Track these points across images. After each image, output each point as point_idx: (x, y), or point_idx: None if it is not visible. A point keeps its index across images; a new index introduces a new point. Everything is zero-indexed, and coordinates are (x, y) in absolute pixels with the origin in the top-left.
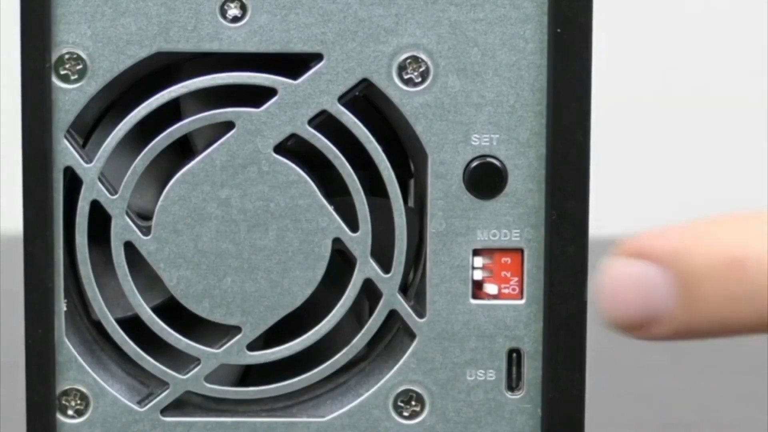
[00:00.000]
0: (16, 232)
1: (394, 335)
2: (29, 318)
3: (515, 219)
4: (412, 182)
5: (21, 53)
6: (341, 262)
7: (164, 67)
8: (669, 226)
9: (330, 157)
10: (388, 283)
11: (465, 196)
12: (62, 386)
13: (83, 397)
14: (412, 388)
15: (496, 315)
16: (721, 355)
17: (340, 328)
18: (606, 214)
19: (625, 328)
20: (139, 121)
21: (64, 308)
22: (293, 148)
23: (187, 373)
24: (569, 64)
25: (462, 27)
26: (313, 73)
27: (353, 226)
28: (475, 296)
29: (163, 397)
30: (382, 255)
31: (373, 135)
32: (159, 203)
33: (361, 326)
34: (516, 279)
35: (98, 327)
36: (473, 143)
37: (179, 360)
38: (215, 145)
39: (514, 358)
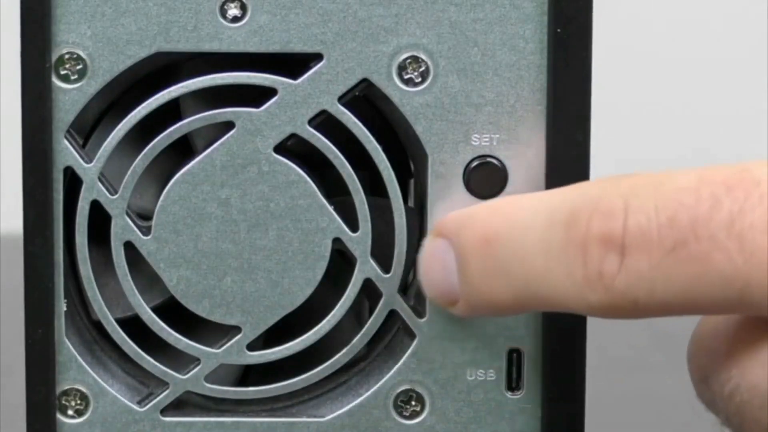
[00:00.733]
0: (16, 232)
1: (394, 335)
2: (29, 318)
3: None
4: (412, 182)
5: (21, 53)
6: (341, 262)
7: (164, 67)
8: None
9: (330, 157)
10: (388, 282)
11: (465, 195)
12: (62, 386)
13: (83, 397)
14: (412, 388)
15: None
16: None
17: (340, 328)
18: None
19: (441, 304)
20: (139, 121)
21: (64, 308)
22: (293, 148)
23: (187, 373)
24: (569, 64)
25: (462, 27)
26: (313, 73)
27: (353, 226)
28: None
29: (163, 397)
30: (382, 255)
31: (373, 135)
32: (159, 203)
33: (361, 326)
34: None
35: (98, 327)
36: (473, 143)
37: (179, 360)
38: (215, 145)
39: (515, 358)
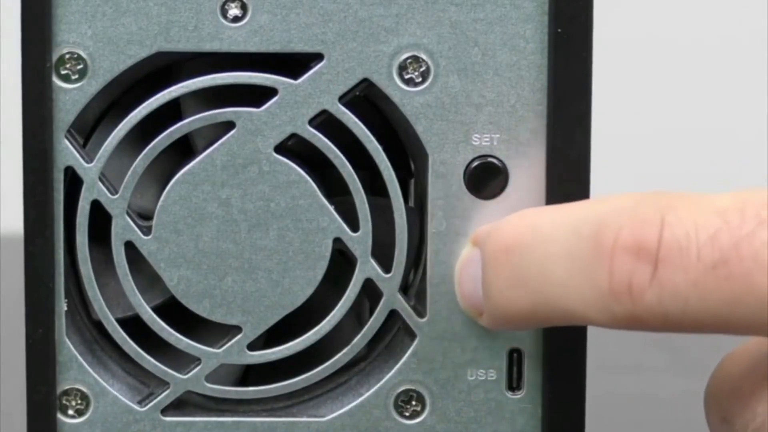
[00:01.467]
0: (16, 232)
1: (394, 335)
2: (30, 318)
3: None
4: (412, 182)
5: (21, 53)
6: (342, 261)
7: (165, 67)
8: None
9: (330, 156)
10: (389, 282)
11: (465, 196)
12: (63, 386)
13: (84, 397)
14: (412, 387)
15: None
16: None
17: (340, 328)
18: None
19: (471, 315)
20: (139, 121)
21: (65, 308)
22: (294, 148)
23: (188, 372)
24: (570, 63)
25: (462, 27)
26: (313, 72)
27: (354, 225)
28: None
29: (164, 396)
30: (383, 255)
31: (374, 135)
32: (159, 203)
33: (362, 326)
34: None
35: (99, 327)
36: (474, 143)
37: (180, 360)
38: (216, 145)
39: (515, 357)
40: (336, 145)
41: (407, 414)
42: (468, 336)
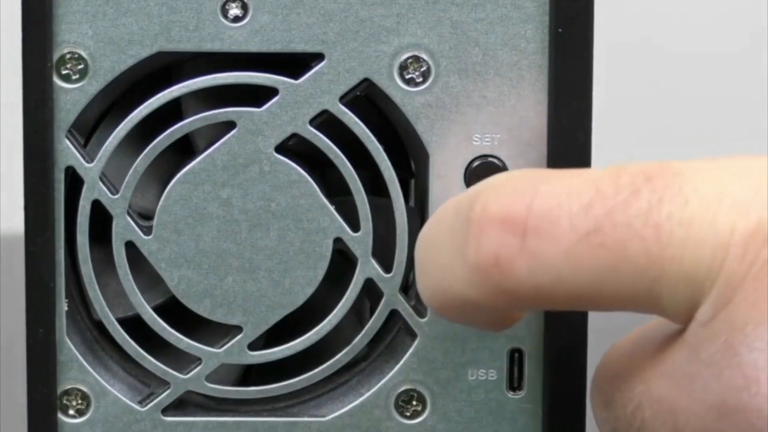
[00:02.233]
0: (16, 232)
1: (395, 335)
2: (30, 318)
3: None
4: (413, 182)
5: (22, 53)
6: (342, 261)
7: (165, 67)
8: None
9: (331, 156)
10: (389, 282)
11: None
12: (63, 386)
13: (84, 397)
14: (413, 387)
15: None
16: None
17: (341, 328)
18: None
19: None
20: (140, 121)
21: (65, 308)
22: (294, 148)
23: (189, 372)
24: (570, 63)
25: (463, 27)
26: (314, 72)
27: (354, 225)
28: None
29: (165, 396)
30: (384, 255)
31: (374, 135)
32: (160, 203)
33: (362, 326)
34: None
35: (99, 327)
36: (474, 143)
37: (180, 360)
38: (216, 145)
39: (516, 357)
40: (337, 145)
41: (408, 414)
42: (468, 336)
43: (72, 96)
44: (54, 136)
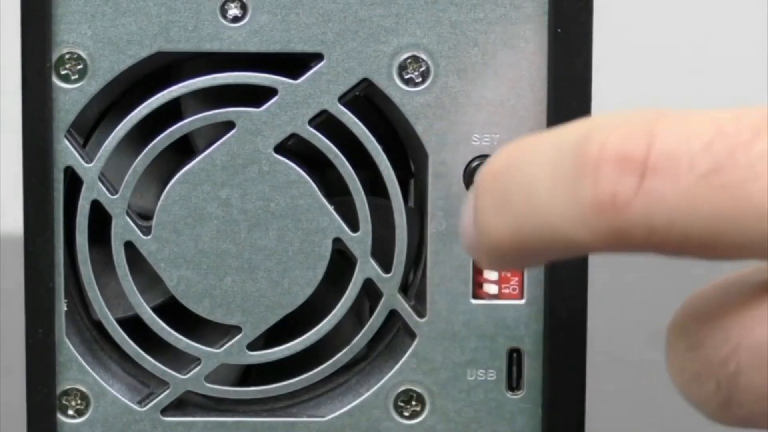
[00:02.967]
0: (16, 232)
1: (394, 335)
2: (30, 318)
3: None
4: (412, 182)
5: (21, 53)
6: (342, 262)
7: (165, 67)
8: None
9: (330, 156)
10: (389, 283)
11: (465, 196)
12: (63, 386)
13: (84, 397)
14: (412, 387)
15: (497, 315)
16: None
17: (340, 328)
18: None
19: (469, 252)
20: (139, 121)
21: (65, 308)
22: (294, 148)
23: (188, 372)
24: (570, 64)
25: (462, 27)
26: (313, 72)
27: (354, 225)
28: (475, 296)
29: (164, 396)
30: (383, 255)
31: (374, 135)
32: (159, 203)
33: (362, 326)
34: (516, 279)
35: (99, 327)
36: (474, 143)
37: (180, 360)
38: (215, 145)
39: (515, 358)
40: (336, 145)
41: (407, 414)
42: (468, 336)
43: (71, 96)
44: (53, 136)
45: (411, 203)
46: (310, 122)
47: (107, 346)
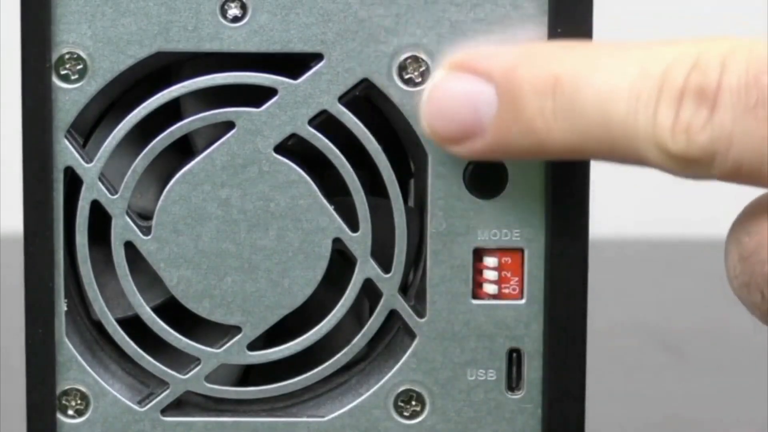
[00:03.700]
0: (16, 232)
1: (394, 335)
2: (29, 318)
3: (516, 219)
4: (412, 182)
5: (21, 53)
6: (341, 262)
7: (164, 67)
8: (498, 47)
9: (330, 156)
10: (389, 282)
11: (465, 195)
12: (62, 386)
13: (83, 397)
14: (412, 387)
15: (497, 315)
16: (722, 355)
17: (340, 328)
18: (606, 214)
19: (445, 141)
20: (139, 121)
21: (65, 308)
22: (293, 148)
23: (188, 372)
24: None
25: (462, 27)
26: (313, 73)
27: (353, 226)
28: (475, 296)
29: (164, 396)
30: (383, 255)
31: (373, 135)
32: (159, 203)
33: (362, 326)
34: (516, 279)
35: (98, 327)
36: None
37: (179, 360)
38: (215, 145)
39: (515, 358)
40: (336, 145)
41: (407, 414)
42: (468, 336)
43: (71, 96)
44: (53, 137)
45: (411, 203)
46: (310, 122)
47: (107, 346)
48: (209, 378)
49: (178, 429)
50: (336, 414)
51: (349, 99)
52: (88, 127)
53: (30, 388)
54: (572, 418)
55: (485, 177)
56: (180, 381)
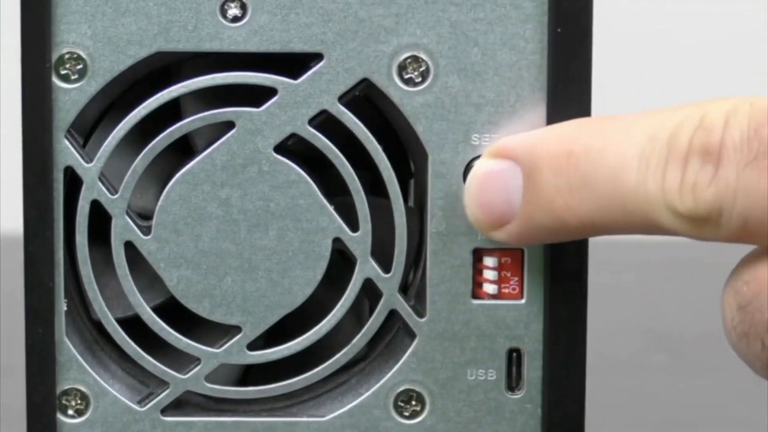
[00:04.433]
0: (16, 232)
1: (394, 335)
2: (29, 318)
3: None
4: (412, 182)
5: (21, 53)
6: (341, 261)
7: (164, 67)
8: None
9: (330, 156)
10: (389, 282)
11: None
12: (62, 386)
13: (83, 397)
14: (412, 387)
15: (496, 315)
16: (722, 355)
17: (340, 328)
18: None
19: (485, 228)
20: (139, 121)
21: (65, 308)
22: (293, 148)
23: (188, 372)
24: (569, 63)
25: (462, 27)
26: (313, 72)
27: (353, 225)
28: (475, 296)
29: (164, 396)
30: (383, 255)
31: (373, 135)
32: (159, 203)
33: (362, 326)
34: (516, 279)
35: (98, 327)
36: (473, 143)
37: (179, 360)
38: (215, 145)
39: (515, 357)
40: (336, 145)
41: (407, 414)
42: (468, 336)
43: (71, 96)
44: (53, 136)
45: (411, 203)
46: (310, 122)
47: (107, 346)
48: (209, 378)
49: (178, 429)
50: (336, 414)
51: (349, 99)
52: (88, 127)
53: (30, 388)
54: (572, 418)
55: None
56: (180, 381)
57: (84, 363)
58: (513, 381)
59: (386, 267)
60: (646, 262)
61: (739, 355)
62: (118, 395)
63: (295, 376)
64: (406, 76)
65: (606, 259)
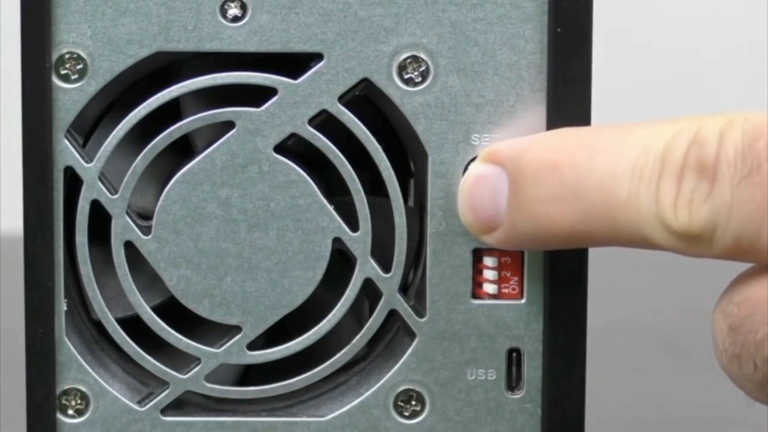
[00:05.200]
0: (16, 232)
1: (394, 335)
2: (29, 317)
3: None
4: (412, 182)
5: (21, 53)
6: (341, 261)
7: (164, 67)
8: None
9: (330, 156)
10: (388, 282)
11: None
12: (62, 386)
13: (83, 397)
14: (412, 387)
15: (496, 315)
16: None
17: (340, 328)
18: None
19: (476, 231)
20: (139, 121)
21: (65, 308)
22: (293, 148)
23: (188, 372)
24: (569, 63)
25: (462, 26)
26: (313, 72)
27: (353, 225)
28: (475, 296)
29: (164, 396)
30: (383, 255)
31: (373, 134)
32: (159, 203)
33: (361, 326)
34: (516, 279)
35: (98, 326)
36: (473, 143)
37: (179, 359)
38: (215, 145)
39: (514, 357)
40: (336, 145)
41: (407, 414)
42: (468, 336)
43: (71, 96)
44: (53, 136)
45: (411, 203)
46: (310, 122)
47: (107, 345)
48: (209, 378)
49: (178, 429)
50: (336, 414)
51: (349, 99)
52: (88, 127)
53: (30, 388)
54: (572, 418)
55: None
56: (180, 381)
57: (84, 363)
58: (513, 381)
59: (386, 267)
60: (646, 261)
61: (730, 377)
62: (118, 395)
63: (295, 376)
64: (406, 76)
65: (606, 259)
